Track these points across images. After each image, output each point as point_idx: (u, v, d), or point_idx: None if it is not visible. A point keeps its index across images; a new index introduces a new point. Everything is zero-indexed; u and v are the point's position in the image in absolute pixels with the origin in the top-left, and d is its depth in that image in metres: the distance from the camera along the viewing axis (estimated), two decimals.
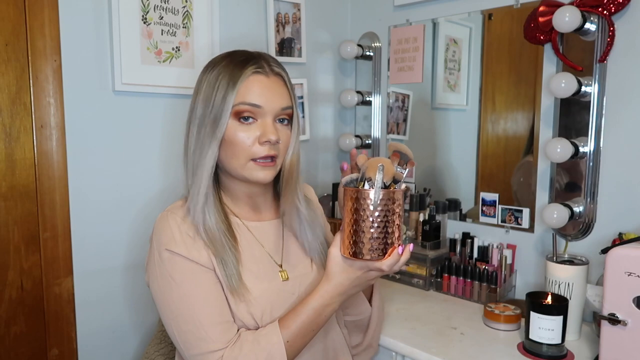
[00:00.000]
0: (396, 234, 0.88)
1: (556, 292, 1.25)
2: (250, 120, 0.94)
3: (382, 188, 0.86)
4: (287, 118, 0.98)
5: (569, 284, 1.24)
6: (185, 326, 0.91)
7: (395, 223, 0.87)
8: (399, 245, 0.88)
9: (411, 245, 0.90)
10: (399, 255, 0.87)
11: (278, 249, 1.04)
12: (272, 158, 0.96)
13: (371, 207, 0.85)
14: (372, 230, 0.86)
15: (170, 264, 0.92)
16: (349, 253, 0.88)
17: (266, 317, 0.95)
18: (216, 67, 0.96)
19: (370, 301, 1.11)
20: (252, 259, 0.99)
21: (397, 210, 0.87)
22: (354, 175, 0.92)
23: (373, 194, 0.85)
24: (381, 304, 1.15)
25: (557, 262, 1.27)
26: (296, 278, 1.02)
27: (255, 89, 0.94)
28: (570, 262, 1.28)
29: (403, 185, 0.91)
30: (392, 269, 0.88)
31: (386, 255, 0.87)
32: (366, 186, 0.88)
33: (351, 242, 0.88)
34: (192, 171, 0.97)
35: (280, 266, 1.02)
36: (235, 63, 0.95)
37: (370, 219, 0.85)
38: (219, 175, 1.02)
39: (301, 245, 1.07)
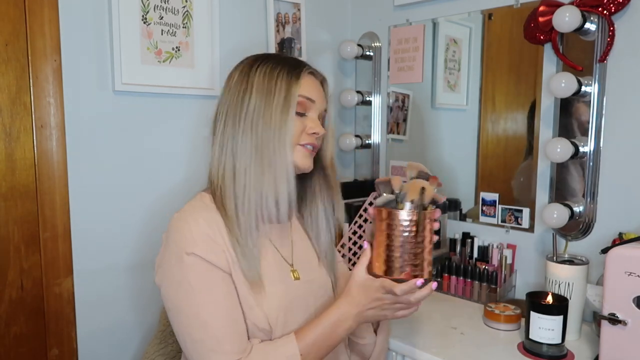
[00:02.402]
0: (426, 258, 0.90)
1: (556, 292, 1.25)
2: (305, 113, 0.99)
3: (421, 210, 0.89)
4: (322, 121, 1.03)
5: (569, 284, 1.24)
6: (198, 335, 0.89)
7: (427, 244, 0.89)
8: (423, 277, 0.89)
9: (434, 284, 0.91)
10: (416, 287, 0.88)
11: (289, 251, 1.05)
12: (314, 147, 1.00)
13: (410, 229, 0.88)
14: (409, 249, 0.88)
15: (188, 268, 0.90)
16: (383, 271, 0.90)
17: (280, 320, 0.95)
18: (265, 62, 0.98)
19: (375, 331, 1.12)
20: (265, 261, 0.99)
21: (430, 231, 0.90)
22: (390, 197, 0.93)
23: (412, 216, 0.87)
24: (385, 343, 1.14)
25: (557, 262, 1.27)
26: (308, 281, 1.04)
27: (311, 86, 0.99)
28: (571, 262, 1.28)
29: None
30: (405, 296, 0.89)
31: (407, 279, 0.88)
32: (407, 207, 0.90)
33: (385, 261, 0.90)
34: (257, 167, 0.94)
35: (292, 265, 1.03)
36: (288, 61, 1.00)
37: (407, 239, 0.88)
38: None
39: (313, 247, 1.09)
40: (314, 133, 0.98)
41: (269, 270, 0.98)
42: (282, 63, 0.98)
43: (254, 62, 0.99)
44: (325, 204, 1.08)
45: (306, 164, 0.99)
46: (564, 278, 1.25)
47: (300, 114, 0.98)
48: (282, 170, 0.94)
